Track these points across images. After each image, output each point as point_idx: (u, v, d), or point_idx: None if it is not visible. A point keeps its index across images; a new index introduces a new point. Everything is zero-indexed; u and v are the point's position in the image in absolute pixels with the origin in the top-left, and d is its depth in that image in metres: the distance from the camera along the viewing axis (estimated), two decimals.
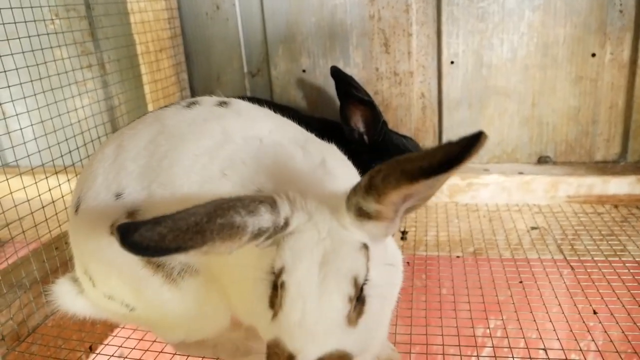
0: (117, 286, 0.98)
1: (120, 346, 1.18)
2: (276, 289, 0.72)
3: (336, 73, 1.62)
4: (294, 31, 1.88)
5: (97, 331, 1.25)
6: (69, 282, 1.10)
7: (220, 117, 0.98)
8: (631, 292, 1.23)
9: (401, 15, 1.79)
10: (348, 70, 1.72)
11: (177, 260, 0.92)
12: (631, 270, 1.32)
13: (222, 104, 1.02)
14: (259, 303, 0.78)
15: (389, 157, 1.71)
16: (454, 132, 1.88)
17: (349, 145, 1.49)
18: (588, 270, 1.33)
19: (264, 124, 0.99)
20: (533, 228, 1.60)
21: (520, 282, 1.31)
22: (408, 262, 1.46)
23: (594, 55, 1.72)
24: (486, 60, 1.78)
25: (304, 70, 1.93)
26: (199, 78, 2.03)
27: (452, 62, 1.81)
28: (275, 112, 1.74)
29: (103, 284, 1.00)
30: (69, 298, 1.09)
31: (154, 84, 1.82)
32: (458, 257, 1.47)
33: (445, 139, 1.91)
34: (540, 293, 1.26)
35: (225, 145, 0.92)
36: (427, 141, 1.92)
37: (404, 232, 1.62)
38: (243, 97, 1.82)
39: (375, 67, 1.87)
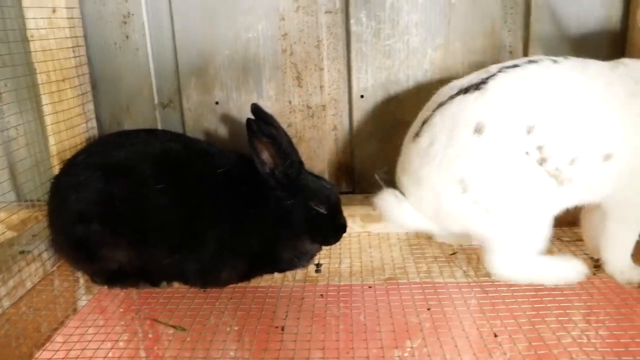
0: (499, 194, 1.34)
1: None
2: None
3: (256, 111, 1.57)
4: (207, 63, 1.88)
5: None
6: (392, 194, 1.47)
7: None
8: (526, 313, 1.33)
9: (312, 50, 1.84)
10: (261, 103, 1.71)
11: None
12: (526, 293, 1.42)
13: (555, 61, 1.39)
14: None
15: (303, 194, 1.66)
16: (365, 164, 1.94)
17: (264, 181, 1.47)
18: (490, 295, 1.42)
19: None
20: (450, 253, 1.68)
21: (428, 308, 1.37)
22: (322, 295, 1.47)
23: None
24: (393, 94, 1.87)
25: (217, 102, 1.92)
26: (107, 108, 1.95)
27: (362, 96, 1.88)
28: (185, 144, 1.69)
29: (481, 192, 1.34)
30: (396, 208, 1.46)
31: (55, 115, 1.72)
32: (370, 287, 1.51)
33: (357, 171, 1.97)
34: (445, 317, 1.33)
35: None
36: (340, 173, 1.97)
37: (318, 265, 1.63)
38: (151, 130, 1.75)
39: (289, 100, 1.90)
